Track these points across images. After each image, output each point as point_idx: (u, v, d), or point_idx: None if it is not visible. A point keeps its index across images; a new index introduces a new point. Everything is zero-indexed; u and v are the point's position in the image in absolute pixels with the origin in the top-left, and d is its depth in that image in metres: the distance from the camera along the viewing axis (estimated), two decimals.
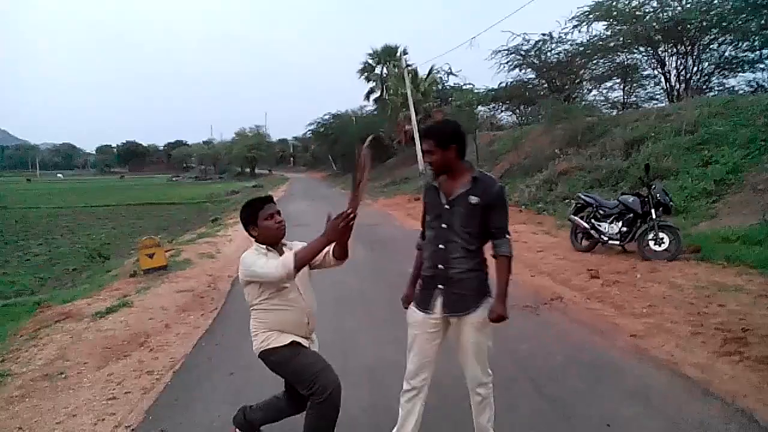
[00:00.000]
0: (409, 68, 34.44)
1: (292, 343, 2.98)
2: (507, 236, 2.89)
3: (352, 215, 2.76)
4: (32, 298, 9.16)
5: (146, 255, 9.33)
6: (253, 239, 3.09)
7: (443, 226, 2.90)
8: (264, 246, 3.01)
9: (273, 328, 2.99)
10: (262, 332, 3.00)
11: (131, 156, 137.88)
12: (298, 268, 2.78)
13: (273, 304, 2.97)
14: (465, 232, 2.86)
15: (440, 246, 2.91)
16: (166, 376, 4.86)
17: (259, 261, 2.88)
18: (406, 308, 3.17)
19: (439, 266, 2.92)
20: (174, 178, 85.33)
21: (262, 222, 3.00)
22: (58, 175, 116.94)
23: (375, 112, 47.04)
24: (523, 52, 26.28)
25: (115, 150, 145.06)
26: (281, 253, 3.03)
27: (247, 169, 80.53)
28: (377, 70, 45.33)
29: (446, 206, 2.89)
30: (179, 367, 5.09)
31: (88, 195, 44.99)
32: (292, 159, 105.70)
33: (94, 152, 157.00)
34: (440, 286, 2.93)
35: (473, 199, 2.82)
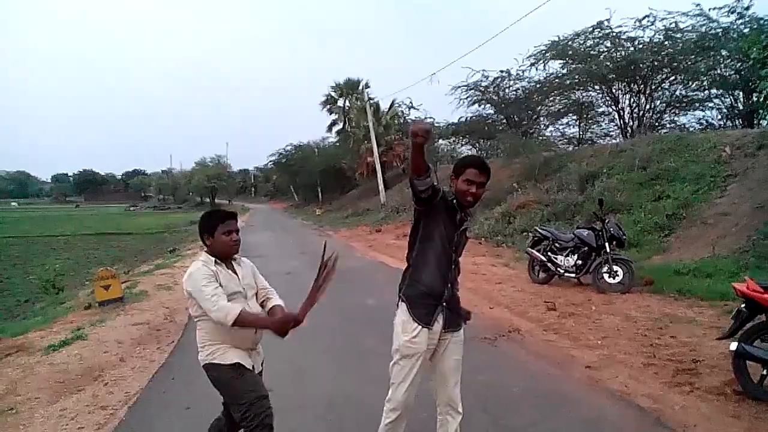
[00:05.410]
0: (371, 101, 34.80)
1: (236, 364, 2.97)
2: None
3: (298, 323, 2.92)
4: None
5: (102, 287, 9.13)
6: (205, 248, 3.10)
7: (455, 249, 3.00)
8: (213, 258, 3.02)
9: (220, 340, 2.98)
10: (209, 344, 2.98)
11: (88, 185, 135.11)
12: (236, 325, 2.84)
13: None
14: (461, 254, 3.08)
15: (452, 267, 3.01)
16: (120, 411, 4.75)
17: (206, 289, 2.86)
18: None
19: (448, 285, 3.00)
20: (131, 208, 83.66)
21: (219, 235, 3.01)
22: (13, 203, 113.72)
23: (337, 144, 47.20)
24: (482, 88, 26.84)
25: (71, 178, 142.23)
26: (231, 267, 3.07)
27: (207, 200, 79.69)
28: (340, 103, 45.63)
29: (458, 234, 3.00)
30: (134, 402, 4.98)
31: (43, 224, 43.83)
32: (253, 189, 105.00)
33: (49, 180, 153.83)
34: (444, 304, 2.99)
35: (468, 233, 3.09)
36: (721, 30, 19.01)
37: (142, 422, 4.48)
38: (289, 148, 56.88)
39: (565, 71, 23.19)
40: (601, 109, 24.63)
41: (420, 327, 2.93)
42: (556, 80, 23.58)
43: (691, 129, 21.13)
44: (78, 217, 59.42)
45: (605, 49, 21.60)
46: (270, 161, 64.03)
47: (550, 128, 27.54)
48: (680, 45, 19.65)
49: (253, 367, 3.08)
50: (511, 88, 26.60)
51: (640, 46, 20.52)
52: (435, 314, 2.95)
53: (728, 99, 20.75)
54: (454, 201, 2.94)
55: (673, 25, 20.06)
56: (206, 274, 2.91)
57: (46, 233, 33.97)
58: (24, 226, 41.15)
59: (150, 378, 5.62)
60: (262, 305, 3.21)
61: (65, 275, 15.66)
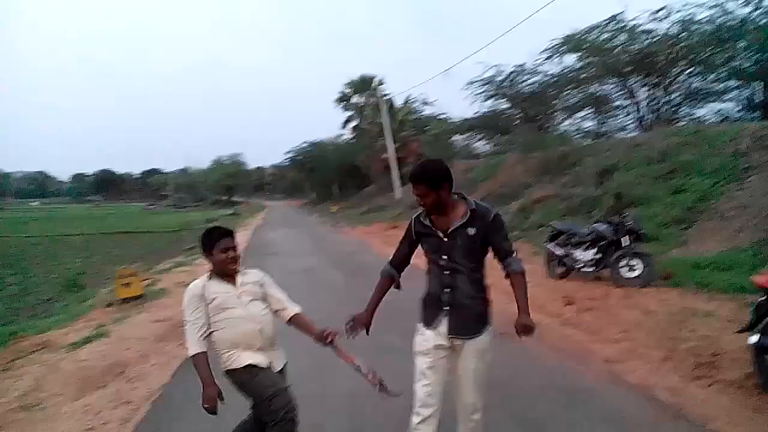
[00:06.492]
0: (386, 98, 34.81)
1: (249, 366, 3.10)
2: (514, 255, 2.98)
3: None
4: (7, 329, 9.04)
5: (122, 284, 9.29)
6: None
7: (444, 257, 2.94)
8: (207, 275, 3.26)
9: (231, 346, 3.14)
10: (224, 352, 3.16)
11: (107, 184, 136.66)
12: (193, 362, 3.13)
13: (219, 326, 3.16)
14: (466, 260, 2.92)
15: (446, 272, 2.95)
16: (144, 407, 4.85)
17: (186, 316, 3.17)
18: (349, 333, 3.20)
19: (446, 290, 2.96)
20: (150, 206, 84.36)
21: (216, 253, 3.19)
22: (33, 203, 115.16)
23: (352, 141, 47.30)
24: (497, 83, 26.74)
25: (90, 178, 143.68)
26: (233, 281, 3.25)
27: (224, 198, 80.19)
28: (354, 100, 45.63)
29: (444, 239, 2.92)
30: (157, 397, 5.09)
31: (63, 223, 44.28)
32: (269, 187, 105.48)
33: (68, 180, 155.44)
34: (446, 308, 2.96)
35: (471, 231, 2.88)
36: (738, 21, 18.80)
37: (164, 417, 4.58)
38: (304, 145, 57.32)
39: (580, 65, 23.04)
40: (617, 103, 24.43)
41: (423, 327, 3.04)
42: (572, 74, 23.42)
43: (708, 121, 20.92)
44: (97, 216, 59.99)
45: (621, 42, 21.39)
46: (286, 159, 64.42)
47: (567, 122, 27.41)
48: (697, 37, 19.43)
49: (271, 366, 3.20)
50: (526, 82, 26.48)
51: (656, 38, 20.33)
52: (437, 317, 2.98)
53: (746, 91, 20.51)
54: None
55: (690, 16, 19.87)
56: (193, 297, 3.18)
57: (67, 233, 34.32)
58: (44, 226, 41.63)
59: (172, 374, 5.73)
60: (278, 315, 3.36)
61: (86, 274, 15.88)
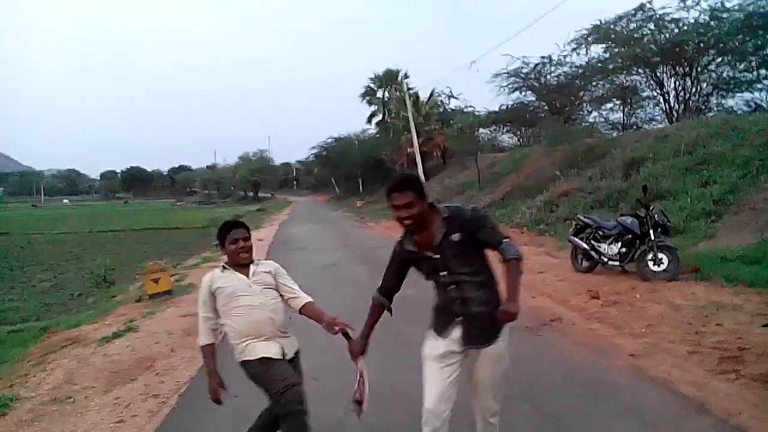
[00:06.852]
0: (411, 92, 34.72)
1: (263, 358, 3.18)
2: (506, 241, 2.75)
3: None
4: (39, 324, 9.26)
5: (151, 280, 9.44)
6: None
7: (442, 273, 2.81)
8: (222, 266, 3.41)
9: (242, 335, 3.23)
10: (237, 343, 3.25)
11: (135, 181, 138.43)
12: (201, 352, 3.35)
13: (231, 314, 3.26)
14: (466, 267, 2.78)
15: (451, 286, 2.81)
16: (172, 400, 4.93)
17: (199, 308, 3.36)
18: (353, 359, 3.13)
19: (457, 301, 2.81)
20: (178, 203, 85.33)
21: (228, 245, 3.33)
22: (64, 200, 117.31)
23: (377, 136, 47.29)
24: (522, 75, 26.61)
25: (119, 175, 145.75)
26: (246, 272, 3.35)
27: (251, 193, 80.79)
28: (379, 94, 45.66)
29: (435, 256, 2.80)
30: (185, 390, 5.16)
31: (93, 220, 44.95)
32: (295, 182, 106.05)
33: (98, 178, 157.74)
34: (458, 318, 2.82)
35: (455, 237, 2.74)
36: None
37: (192, 410, 4.65)
38: (329, 140, 57.44)
39: (607, 55, 22.80)
40: (645, 93, 24.12)
41: (434, 334, 2.93)
42: (599, 65, 23.17)
43: (738, 111, 20.52)
44: (127, 212, 60.82)
45: (649, 32, 21.13)
46: (311, 154, 64.73)
47: (594, 114, 27.15)
48: (726, 25, 19.06)
49: (284, 354, 3.28)
50: (552, 74, 26.37)
51: (685, 27, 20.03)
52: (449, 326, 2.84)
53: None
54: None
55: (719, 4, 19.50)
56: (203, 290, 3.32)
57: (97, 229, 34.89)
58: (76, 223, 42.35)
59: (199, 367, 5.74)
60: (289, 303, 3.42)
61: (116, 270, 16.15)
